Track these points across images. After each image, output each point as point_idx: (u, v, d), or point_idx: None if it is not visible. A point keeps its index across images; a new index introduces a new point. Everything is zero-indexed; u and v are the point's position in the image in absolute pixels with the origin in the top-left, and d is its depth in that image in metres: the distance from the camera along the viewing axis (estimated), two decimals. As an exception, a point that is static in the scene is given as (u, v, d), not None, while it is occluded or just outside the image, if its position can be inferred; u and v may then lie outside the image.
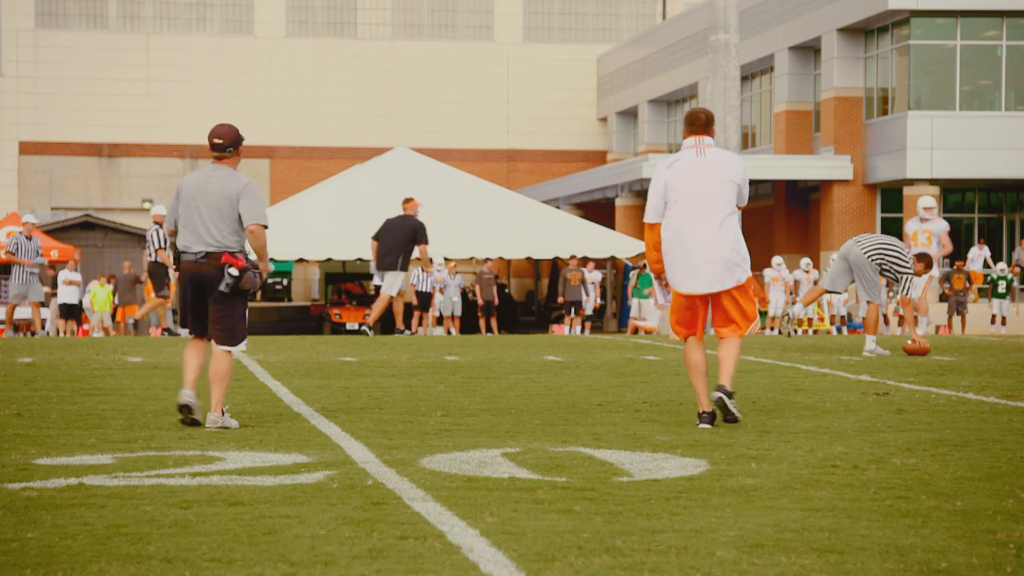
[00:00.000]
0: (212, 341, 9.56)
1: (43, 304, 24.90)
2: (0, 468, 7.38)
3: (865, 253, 17.19)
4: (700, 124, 9.63)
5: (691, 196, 9.48)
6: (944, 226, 20.68)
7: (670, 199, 9.53)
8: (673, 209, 9.52)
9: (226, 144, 9.52)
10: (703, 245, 9.46)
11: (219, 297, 9.45)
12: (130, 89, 58.07)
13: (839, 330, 36.37)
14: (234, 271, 9.39)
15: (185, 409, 9.35)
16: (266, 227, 9.46)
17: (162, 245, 23.94)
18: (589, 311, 37.39)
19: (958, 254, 40.02)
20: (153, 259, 24.18)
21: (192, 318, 9.58)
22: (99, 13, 58.49)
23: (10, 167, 57.66)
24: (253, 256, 9.86)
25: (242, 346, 9.78)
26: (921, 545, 5.47)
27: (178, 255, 9.57)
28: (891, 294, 19.76)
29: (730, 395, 9.41)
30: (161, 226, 23.98)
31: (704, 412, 9.47)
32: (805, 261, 37.45)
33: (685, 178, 9.51)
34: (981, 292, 37.75)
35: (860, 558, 5.23)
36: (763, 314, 34.25)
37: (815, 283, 35.04)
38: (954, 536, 5.65)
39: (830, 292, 17.77)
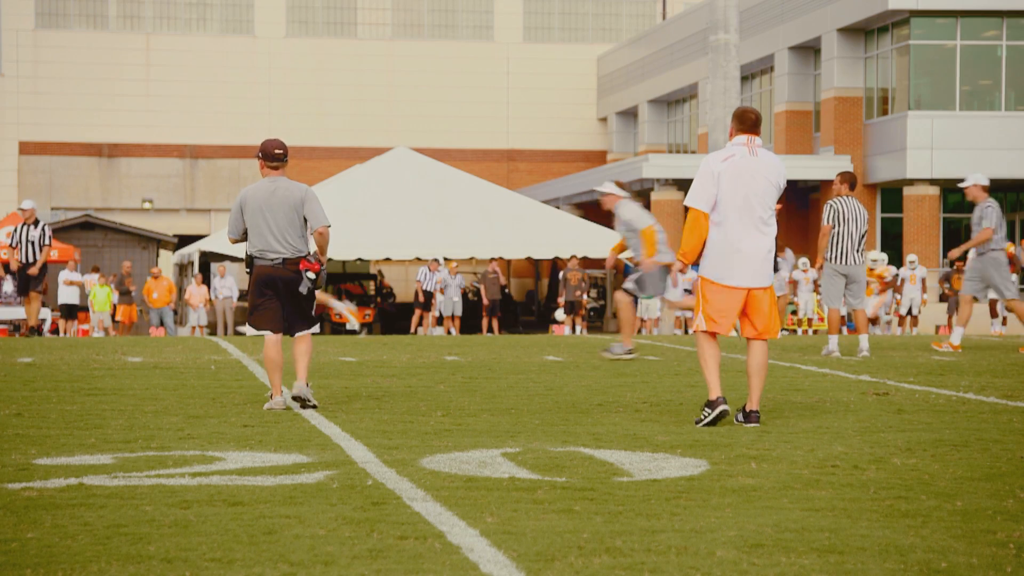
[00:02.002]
0: (296, 330, 10.66)
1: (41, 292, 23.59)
2: (0, 468, 7.38)
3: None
4: (751, 123, 9.64)
5: (743, 193, 9.51)
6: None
7: (722, 192, 9.51)
8: (725, 205, 9.52)
9: (285, 154, 10.61)
10: (751, 242, 9.52)
11: (298, 294, 10.58)
12: (130, 89, 58.07)
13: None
14: (311, 275, 10.54)
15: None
16: (330, 226, 10.58)
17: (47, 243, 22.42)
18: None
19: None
20: (24, 261, 22.54)
21: (273, 317, 10.62)
22: (99, 13, 58.49)
23: (10, 167, 57.66)
24: (314, 250, 10.85)
25: (316, 327, 10.86)
26: (921, 545, 5.47)
27: (250, 260, 10.57)
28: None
29: (757, 418, 9.47)
30: (28, 224, 22.62)
31: (718, 396, 9.39)
32: (803, 260, 37.44)
33: (739, 174, 9.52)
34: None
35: (860, 558, 5.23)
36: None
37: (815, 283, 35.04)
38: (954, 536, 5.65)
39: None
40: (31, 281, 22.91)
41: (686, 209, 9.72)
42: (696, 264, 10.01)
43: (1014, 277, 18.86)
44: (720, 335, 9.71)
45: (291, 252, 10.53)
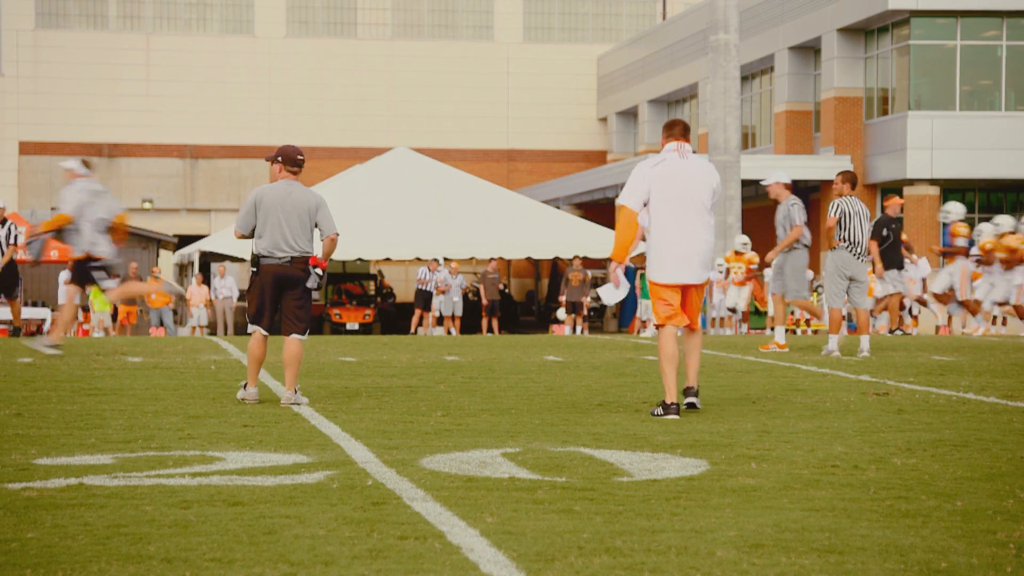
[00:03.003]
0: (287, 332, 11.01)
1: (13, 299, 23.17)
2: (0, 468, 7.38)
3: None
4: (679, 131, 10.37)
5: (677, 195, 10.21)
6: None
7: (655, 196, 10.23)
8: (661, 206, 10.23)
9: (304, 161, 11.09)
10: (688, 240, 10.24)
11: (300, 293, 10.96)
12: (130, 89, 58.07)
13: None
14: (319, 271, 10.99)
15: (251, 401, 10.90)
16: (338, 234, 11.14)
17: (13, 243, 22.34)
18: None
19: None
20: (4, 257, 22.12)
21: (268, 315, 10.96)
22: (99, 13, 58.49)
23: (10, 167, 57.66)
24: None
25: (306, 335, 11.19)
26: (921, 545, 5.47)
27: (256, 258, 10.92)
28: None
29: (696, 393, 10.37)
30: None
31: (673, 403, 10.01)
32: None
33: (671, 177, 10.22)
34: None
35: (860, 558, 5.23)
36: (763, 314, 34.21)
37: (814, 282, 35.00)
38: (954, 536, 5.65)
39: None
40: (7, 287, 22.62)
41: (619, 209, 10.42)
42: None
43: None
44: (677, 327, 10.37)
45: (299, 253, 10.96)
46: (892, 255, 23.60)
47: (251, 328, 11.07)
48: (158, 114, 58.04)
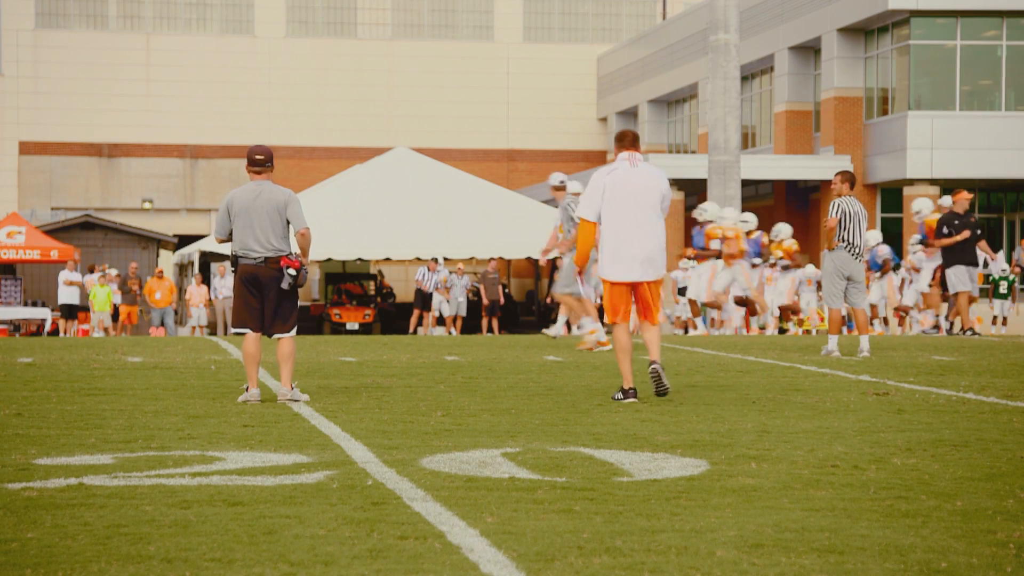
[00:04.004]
0: (274, 331, 11.13)
1: None
2: (0, 468, 7.38)
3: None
4: (630, 141, 11.29)
5: (628, 199, 11.11)
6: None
7: (608, 201, 11.12)
8: (613, 210, 11.12)
9: (266, 160, 11.18)
10: (638, 241, 11.11)
11: (280, 293, 11.09)
12: (130, 89, 58.07)
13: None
14: (292, 271, 11.02)
15: (254, 402, 10.91)
16: (309, 228, 11.13)
17: None
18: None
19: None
20: None
21: (253, 315, 11.15)
22: (99, 13, 58.49)
23: (10, 167, 57.66)
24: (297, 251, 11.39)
25: (294, 331, 11.31)
26: (921, 545, 5.47)
27: (235, 259, 11.14)
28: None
29: (660, 365, 11.08)
30: None
31: (631, 388, 11.06)
32: (810, 266, 37.39)
33: (623, 184, 11.13)
34: (982, 292, 37.71)
35: (860, 558, 5.23)
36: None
37: (817, 283, 34.98)
38: (954, 536, 5.65)
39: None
40: None
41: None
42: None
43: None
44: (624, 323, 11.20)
45: (273, 252, 11.09)
46: (963, 253, 22.72)
47: (239, 331, 11.16)
48: (158, 114, 58.03)
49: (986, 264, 27.98)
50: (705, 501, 6.42)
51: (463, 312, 37.07)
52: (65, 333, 36.43)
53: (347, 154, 57.50)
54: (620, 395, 11.10)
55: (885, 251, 31.15)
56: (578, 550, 5.33)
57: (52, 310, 39.03)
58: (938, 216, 25.01)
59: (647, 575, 4.97)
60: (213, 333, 37.63)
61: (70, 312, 36.89)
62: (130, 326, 37.14)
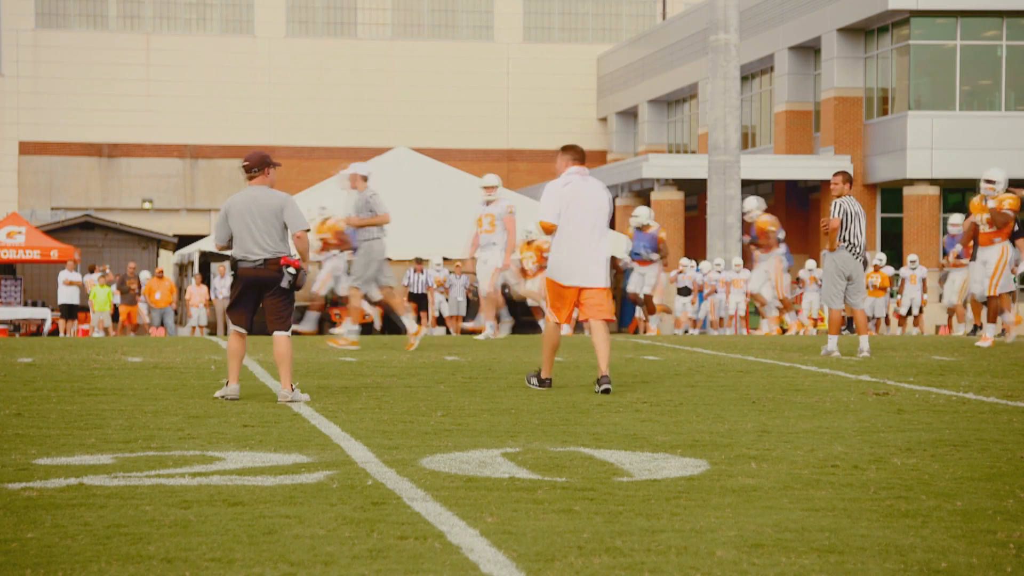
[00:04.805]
0: (271, 331, 11.32)
1: None
2: (0, 468, 7.38)
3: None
4: (579, 156, 12.32)
5: (580, 210, 12.02)
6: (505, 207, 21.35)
7: (563, 211, 12.02)
8: (569, 220, 12.02)
9: (252, 165, 11.34)
10: (589, 250, 12.02)
11: (277, 292, 11.28)
12: (130, 89, 58.07)
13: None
14: (292, 270, 11.25)
15: (230, 398, 11.15)
16: (308, 231, 11.41)
17: None
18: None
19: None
20: None
21: (246, 315, 11.35)
22: (99, 13, 58.49)
23: (10, 167, 57.66)
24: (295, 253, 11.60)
25: (289, 331, 11.48)
26: (921, 545, 5.47)
27: (235, 263, 11.32)
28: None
29: (608, 380, 11.73)
30: None
31: (547, 378, 12.19)
32: (810, 262, 37.42)
33: (576, 196, 12.07)
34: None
35: (860, 558, 5.23)
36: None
37: (818, 283, 34.99)
38: (954, 536, 5.65)
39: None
40: None
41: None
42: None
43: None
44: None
45: (272, 254, 11.29)
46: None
47: (232, 329, 11.32)
48: (158, 114, 58.04)
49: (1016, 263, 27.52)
50: (705, 501, 6.42)
51: (463, 312, 37.04)
52: (65, 333, 36.43)
53: (347, 154, 57.46)
54: (535, 381, 12.18)
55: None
56: (578, 550, 5.33)
57: (52, 310, 39.04)
58: (771, 217, 25.17)
59: (647, 575, 4.97)
60: (213, 333, 37.62)
61: (70, 312, 36.89)
62: (130, 326, 37.13)
